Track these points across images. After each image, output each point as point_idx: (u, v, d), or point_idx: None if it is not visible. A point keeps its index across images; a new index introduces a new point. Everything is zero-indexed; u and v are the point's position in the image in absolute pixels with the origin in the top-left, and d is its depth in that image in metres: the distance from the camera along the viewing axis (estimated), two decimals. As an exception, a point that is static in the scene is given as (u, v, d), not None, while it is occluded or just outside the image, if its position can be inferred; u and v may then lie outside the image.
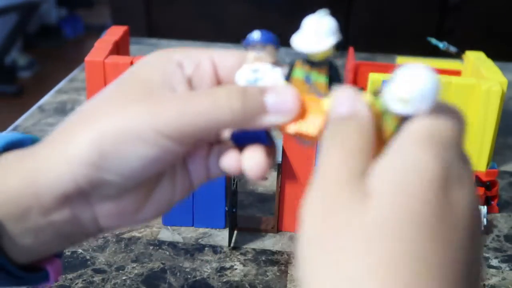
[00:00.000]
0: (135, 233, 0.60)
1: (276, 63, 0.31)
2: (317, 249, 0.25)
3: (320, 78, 0.30)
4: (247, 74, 0.31)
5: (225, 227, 0.61)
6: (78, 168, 0.29)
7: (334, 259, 0.24)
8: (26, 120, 0.83)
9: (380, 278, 0.22)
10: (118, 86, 0.31)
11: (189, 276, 0.55)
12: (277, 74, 0.31)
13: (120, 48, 0.82)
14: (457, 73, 0.83)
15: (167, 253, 0.58)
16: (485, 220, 0.60)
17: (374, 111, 0.27)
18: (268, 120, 0.30)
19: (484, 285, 0.54)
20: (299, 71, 0.30)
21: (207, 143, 0.33)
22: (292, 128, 0.30)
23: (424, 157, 0.25)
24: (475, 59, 0.79)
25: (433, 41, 0.82)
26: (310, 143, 0.31)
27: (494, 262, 0.57)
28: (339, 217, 0.24)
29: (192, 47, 0.33)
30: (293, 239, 0.60)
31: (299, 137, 0.30)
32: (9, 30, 2.91)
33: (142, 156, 0.29)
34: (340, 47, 0.30)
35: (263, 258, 0.57)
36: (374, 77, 0.71)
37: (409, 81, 0.25)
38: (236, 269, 0.56)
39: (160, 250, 0.58)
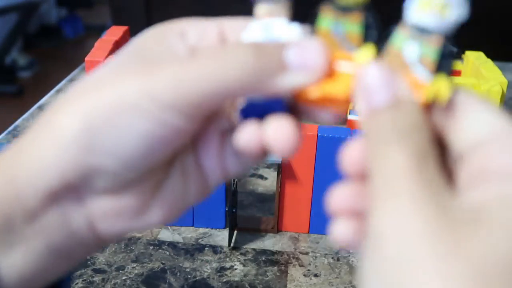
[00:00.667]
0: (135, 233, 0.60)
1: (292, 18, 0.26)
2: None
3: (353, 27, 0.24)
4: (257, 32, 0.25)
5: (225, 227, 0.61)
6: (63, 154, 0.24)
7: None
8: (26, 120, 0.83)
9: None
10: (112, 62, 0.27)
11: (189, 276, 0.55)
12: (294, 31, 0.25)
13: (120, 48, 0.82)
14: (457, 73, 0.83)
15: (167, 253, 0.58)
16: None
17: (395, 54, 0.23)
18: (290, 80, 0.24)
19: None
20: (327, 20, 0.24)
21: (219, 129, 0.28)
22: (316, 92, 0.24)
23: None
24: (475, 59, 0.79)
25: (433, 41, 0.82)
26: (335, 118, 0.25)
27: (494, 262, 0.57)
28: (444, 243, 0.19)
29: (197, 18, 0.28)
30: (293, 239, 0.60)
31: (324, 106, 0.25)
32: (9, 30, 2.90)
33: (140, 131, 0.24)
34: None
35: (263, 258, 0.57)
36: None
37: None
38: (236, 269, 0.56)
39: (160, 250, 0.58)
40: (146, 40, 0.27)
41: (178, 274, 0.55)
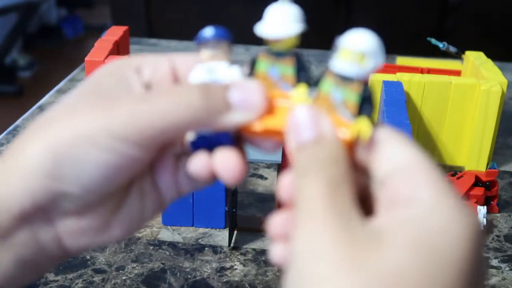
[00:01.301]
0: (135, 233, 0.60)
1: (232, 61, 0.29)
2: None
3: (287, 70, 0.28)
4: (202, 74, 0.29)
5: (225, 227, 0.61)
6: (33, 180, 0.27)
7: None
8: (26, 120, 0.83)
9: None
10: (73, 95, 0.29)
11: (189, 276, 0.55)
12: (234, 73, 0.28)
13: (120, 48, 0.82)
14: (457, 73, 0.83)
15: (167, 253, 0.58)
16: (485, 220, 0.60)
17: (323, 98, 0.27)
18: (233, 118, 0.27)
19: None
20: (263, 64, 0.28)
21: (173, 154, 0.31)
22: (258, 126, 0.27)
23: (449, 216, 0.23)
24: (475, 59, 0.79)
25: (433, 41, 0.82)
26: (275, 147, 0.29)
27: (494, 262, 0.57)
28: (349, 258, 0.23)
29: (151, 54, 0.32)
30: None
31: (266, 137, 0.28)
32: (9, 30, 2.90)
33: (99, 162, 0.27)
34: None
35: (263, 258, 0.57)
36: (373, 77, 0.71)
37: (359, 37, 0.25)
38: (236, 269, 0.56)
39: (160, 250, 0.58)
40: (105, 75, 0.30)
41: (178, 274, 0.55)
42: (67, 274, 0.54)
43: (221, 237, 0.60)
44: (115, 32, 0.83)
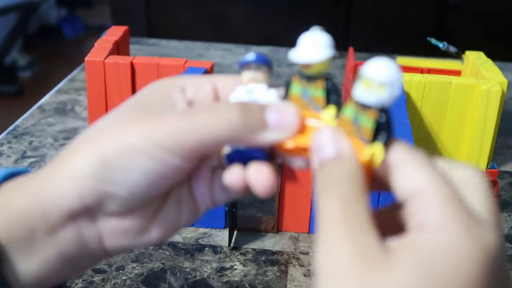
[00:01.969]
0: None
1: (270, 84, 0.32)
2: None
3: (317, 92, 0.30)
4: (242, 95, 0.31)
5: (225, 227, 0.61)
6: (83, 182, 0.29)
7: None
8: (26, 120, 0.83)
9: None
10: (120, 110, 0.32)
11: (189, 276, 0.55)
12: (272, 95, 0.31)
13: (120, 48, 0.82)
14: (457, 73, 0.83)
15: (167, 253, 0.58)
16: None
17: (345, 122, 0.29)
18: (269, 137, 0.30)
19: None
20: (297, 87, 0.31)
21: (209, 166, 0.33)
22: (290, 143, 0.30)
23: (462, 245, 0.24)
24: (475, 59, 0.79)
25: (433, 41, 0.82)
26: (305, 163, 0.30)
27: (494, 262, 0.57)
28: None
29: (195, 75, 0.34)
30: (293, 239, 0.60)
31: (297, 155, 0.30)
32: (9, 30, 2.91)
33: (144, 169, 0.29)
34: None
35: (263, 258, 0.57)
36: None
37: (379, 67, 0.27)
38: (236, 269, 0.56)
39: (160, 250, 0.58)
40: (151, 93, 0.33)
41: (178, 274, 0.55)
42: (67, 274, 0.54)
43: (221, 237, 0.60)
44: (115, 32, 0.83)
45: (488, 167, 0.65)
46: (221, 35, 1.74)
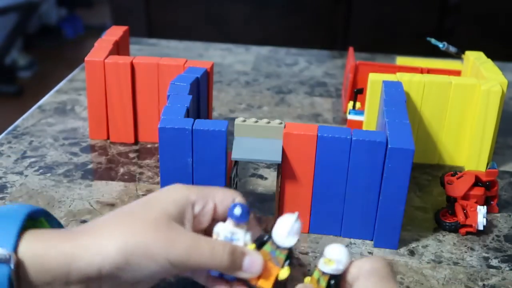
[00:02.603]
0: None
1: (247, 229, 0.46)
2: None
3: (281, 255, 0.46)
4: (226, 232, 0.46)
5: (225, 227, 0.61)
6: (106, 264, 0.41)
7: None
8: (26, 120, 0.83)
9: None
10: (143, 205, 0.45)
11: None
12: (247, 238, 0.46)
13: (120, 48, 0.82)
14: (457, 73, 0.83)
15: (167, 253, 0.57)
16: (485, 220, 0.60)
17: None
18: (243, 275, 0.45)
19: (484, 285, 0.54)
20: (268, 247, 0.46)
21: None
22: (254, 281, 0.45)
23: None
24: (475, 59, 0.79)
25: (433, 41, 0.82)
26: None
27: (494, 262, 0.57)
28: None
29: (202, 187, 0.48)
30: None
31: (257, 285, 0.45)
32: (9, 30, 2.91)
33: (152, 270, 0.42)
34: None
35: (263, 258, 0.57)
36: (373, 77, 0.71)
37: (332, 252, 0.45)
38: (236, 269, 0.56)
39: (160, 250, 0.58)
40: (169, 200, 0.46)
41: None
42: (67, 274, 0.54)
43: (221, 237, 0.60)
44: (115, 32, 0.83)
45: (488, 167, 0.65)
46: (221, 35, 1.74)
